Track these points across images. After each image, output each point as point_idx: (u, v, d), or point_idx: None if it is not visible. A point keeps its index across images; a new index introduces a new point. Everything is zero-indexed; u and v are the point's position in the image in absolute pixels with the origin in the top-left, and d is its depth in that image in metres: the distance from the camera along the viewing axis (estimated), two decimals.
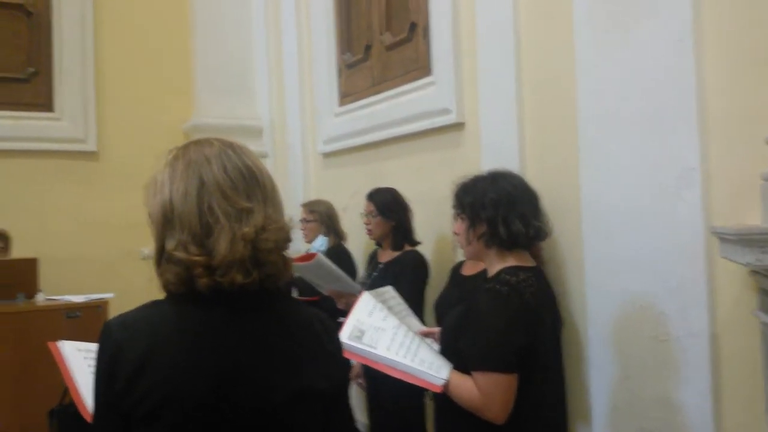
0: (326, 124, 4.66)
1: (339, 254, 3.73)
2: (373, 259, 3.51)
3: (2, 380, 3.75)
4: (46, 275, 4.35)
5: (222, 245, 1.16)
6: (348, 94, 4.45)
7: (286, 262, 1.25)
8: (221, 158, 1.23)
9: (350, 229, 3.99)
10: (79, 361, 1.79)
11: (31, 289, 4.07)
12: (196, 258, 1.15)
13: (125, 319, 1.22)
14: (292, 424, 1.22)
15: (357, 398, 3.56)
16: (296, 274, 3.42)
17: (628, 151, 2.23)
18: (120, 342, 1.17)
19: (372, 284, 3.16)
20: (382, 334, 2.07)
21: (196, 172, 1.21)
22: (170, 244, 1.18)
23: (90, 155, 5.33)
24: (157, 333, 1.18)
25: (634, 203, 2.22)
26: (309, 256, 3.23)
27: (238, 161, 1.24)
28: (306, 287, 3.56)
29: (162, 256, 1.20)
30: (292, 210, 4.46)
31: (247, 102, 5.57)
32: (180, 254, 1.16)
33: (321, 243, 3.82)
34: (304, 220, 4.02)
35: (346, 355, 1.55)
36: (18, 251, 4.58)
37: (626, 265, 2.24)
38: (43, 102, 5.18)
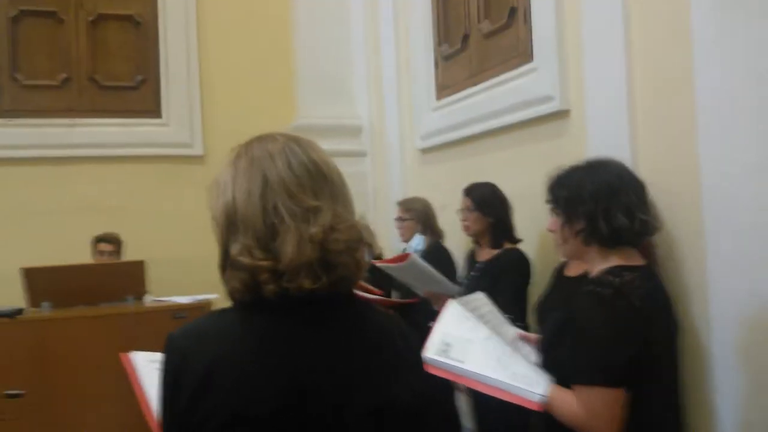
0: (424, 119, 4.50)
1: (437, 253, 3.57)
2: (470, 257, 3.32)
3: (113, 380, 3.85)
4: (154, 277, 4.46)
5: (288, 248, 1.07)
6: (445, 87, 4.27)
7: (359, 263, 1.15)
8: (285, 154, 1.14)
9: (449, 227, 3.82)
10: (152, 372, 1.73)
11: (139, 291, 4.17)
12: (262, 263, 1.07)
13: (189, 328, 1.15)
14: None
15: (464, 404, 3.40)
16: (394, 276, 3.31)
17: (756, 140, 1.95)
18: (184, 352, 1.09)
19: (470, 284, 2.98)
20: (471, 346, 1.89)
21: (260, 169, 1.13)
22: (234, 249, 1.10)
23: (196, 159, 5.45)
24: (222, 342, 1.10)
25: (764, 195, 1.93)
26: (403, 257, 3.10)
27: (304, 156, 1.15)
28: (408, 289, 3.43)
29: (227, 262, 1.13)
30: (389, 209, 4.35)
31: (347, 101, 5.51)
32: (245, 259, 1.08)
33: (418, 242, 3.68)
34: (399, 219, 3.89)
35: (432, 371, 1.41)
36: (129, 254, 4.74)
37: (756, 263, 1.95)
38: (151, 108, 5.36)
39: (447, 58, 4.26)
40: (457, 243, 3.76)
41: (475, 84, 3.87)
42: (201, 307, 4.16)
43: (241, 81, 5.53)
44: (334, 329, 1.13)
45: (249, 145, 1.20)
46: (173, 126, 5.38)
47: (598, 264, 1.86)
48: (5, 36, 5.06)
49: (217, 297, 4.24)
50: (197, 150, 5.44)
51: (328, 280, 1.09)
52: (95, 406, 3.76)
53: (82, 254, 4.76)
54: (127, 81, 5.30)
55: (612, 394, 1.70)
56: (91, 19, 5.24)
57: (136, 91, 5.32)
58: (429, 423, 1.19)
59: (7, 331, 3.53)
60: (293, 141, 1.18)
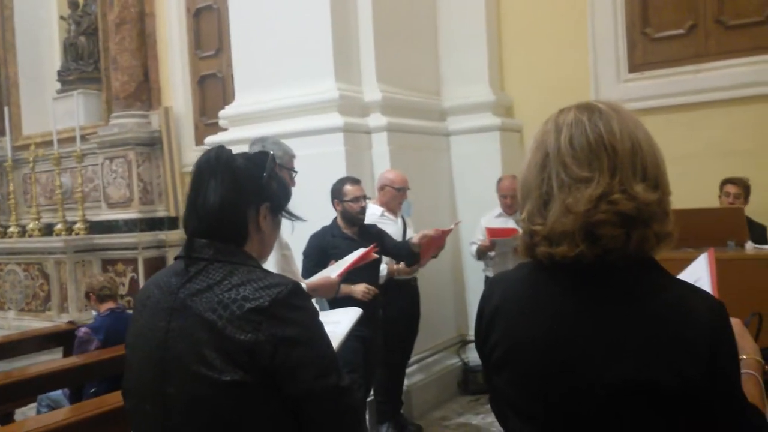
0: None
1: None
2: None
3: None
4: None
5: (551, 216, 1.16)
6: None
7: (642, 237, 1.12)
8: (571, 127, 1.19)
9: None
10: None
11: (741, 238, 4.06)
12: (534, 227, 1.20)
13: (497, 274, 1.39)
14: (618, 415, 1.10)
15: None
16: None
17: None
18: (486, 294, 1.33)
19: None
20: None
21: (544, 142, 1.22)
22: (523, 214, 1.25)
23: None
24: (506, 291, 1.29)
25: None
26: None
27: (589, 129, 1.17)
28: None
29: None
30: None
31: None
32: (524, 224, 1.23)
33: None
34: None
35: None
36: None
37: None
38: None
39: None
40: None
41: None
42: None
43: None
44: (596, 296, 1.14)
45: (552, 116, 1.26)
46: None
47: None
48: None
49: None
50: None
51: (589, 251, 1.11)
52: None
53: (711, 197, 4.81)
54: (755, 16, 4.94)
55: None
56: None
57: (765, 25, 4.92)
58: (702, 414, 1.07)
59: None
60: (587, 112, 1.19)
